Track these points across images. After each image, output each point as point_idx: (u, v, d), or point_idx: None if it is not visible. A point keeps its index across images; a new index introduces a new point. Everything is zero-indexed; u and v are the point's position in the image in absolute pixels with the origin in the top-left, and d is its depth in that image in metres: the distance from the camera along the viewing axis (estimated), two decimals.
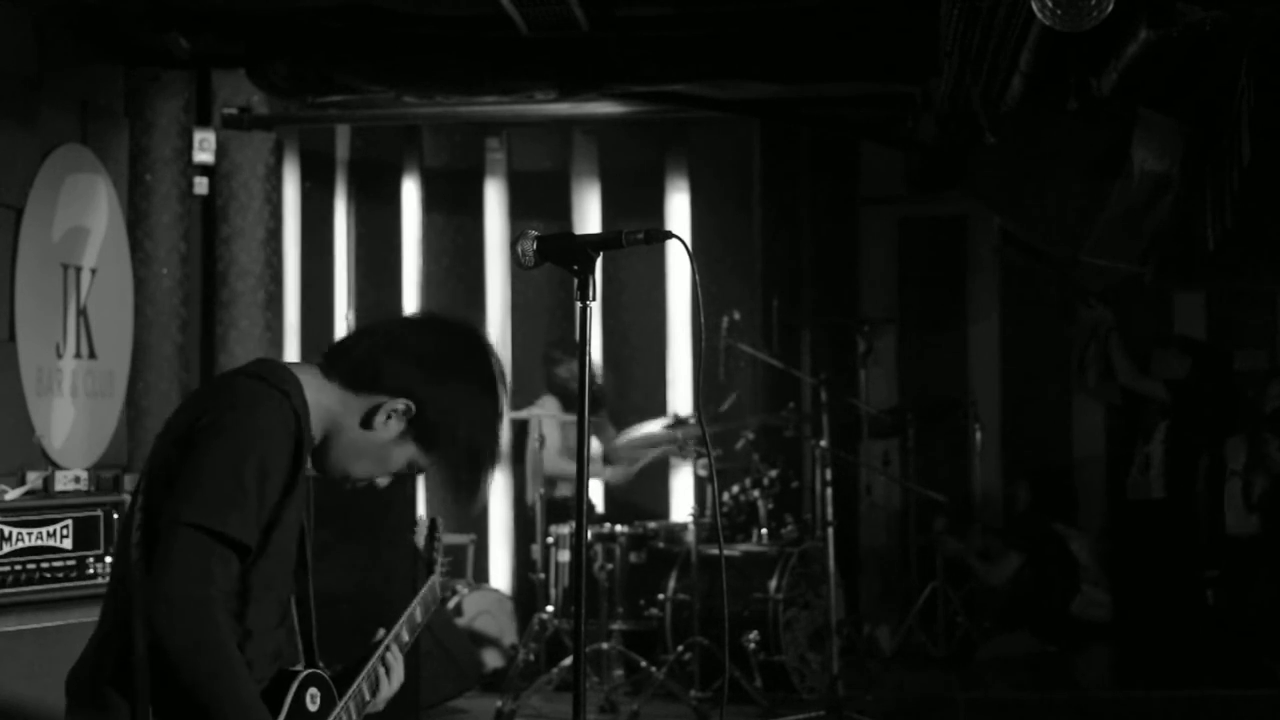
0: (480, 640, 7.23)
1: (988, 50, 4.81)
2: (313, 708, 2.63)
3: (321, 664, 2.74)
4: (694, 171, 8.53)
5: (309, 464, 2.69)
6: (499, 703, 6.40)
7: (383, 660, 2.84)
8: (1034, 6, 3.96)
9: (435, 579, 3.13)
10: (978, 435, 8.35)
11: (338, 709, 2.69)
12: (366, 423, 2.63)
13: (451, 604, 7.15)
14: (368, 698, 2.78)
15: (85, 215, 6.27)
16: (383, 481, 2.72)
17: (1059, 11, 3.92)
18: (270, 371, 2.59)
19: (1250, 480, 6.96)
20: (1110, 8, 3.91)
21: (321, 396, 2.61)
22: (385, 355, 2.63)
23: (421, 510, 3.36)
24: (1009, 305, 8.62)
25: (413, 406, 2.62)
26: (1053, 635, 7.69)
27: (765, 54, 6.40)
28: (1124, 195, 5.85)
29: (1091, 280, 7.39)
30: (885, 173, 8.36)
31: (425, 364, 2.63)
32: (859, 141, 8.36)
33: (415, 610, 3.01)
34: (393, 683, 2.86)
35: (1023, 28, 4.45)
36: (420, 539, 3.18)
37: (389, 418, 2.62)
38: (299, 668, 2.67)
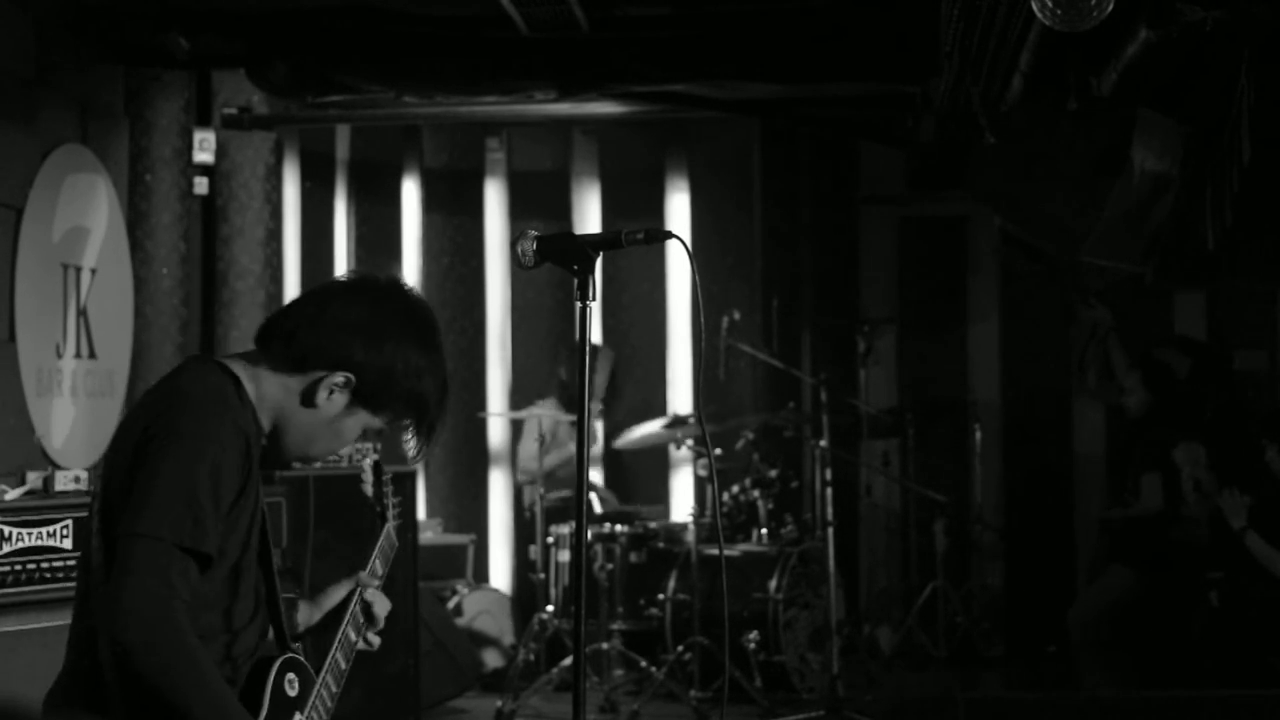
0: (480, 640, 7.23)
1: (988, 50, 4.81)
2: (292, 693, 2.63)
3: (294, 646, 2.74)
4: (694, 171, 8.53)
5: (269, 460, 2.68)
6: (499, 703, 6.41)
7: (352, 624, 2.84)
8: (1034, 6, 3.96)
9: (390, 525, 3.09)
10: (978, 435, 8.34)
11: (316, 687, 2.69)
12: (308, 401, 2.59)
13: (451, 604, 7.15)
14: (344, 667, 2.79)
15: (85, 215, 6.26)
16: (344, 453, 2.71)
17: (1059, 11, 3.92)
18: (210, 372, 2.57)
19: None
20: (1110, 8, 3.91)
21: (261, 386, 2.59)
22: (313, 331, 2.59)
23: (368, 461, 3.26)
24: (1009, 305, 8.61)
25: (352, 377, 2.59)
26: (1148, 564, 6.81)
27: (765, 54, 6.40)
28: (1124, 195, 5.84)
29: (1091, 280, 7.38)
30: (885, 173, 8.35)
31: (354, 331, 2.59)
32: (859, 141, 8.35)
33: (375, 563, 2.99)
34: (373, 640, 2.87)
35: (1023, 28, 4.45)
36: (368, 486, 3.14)
37: (331, 392, 2.59)
38: (274, 654, 2.66)
